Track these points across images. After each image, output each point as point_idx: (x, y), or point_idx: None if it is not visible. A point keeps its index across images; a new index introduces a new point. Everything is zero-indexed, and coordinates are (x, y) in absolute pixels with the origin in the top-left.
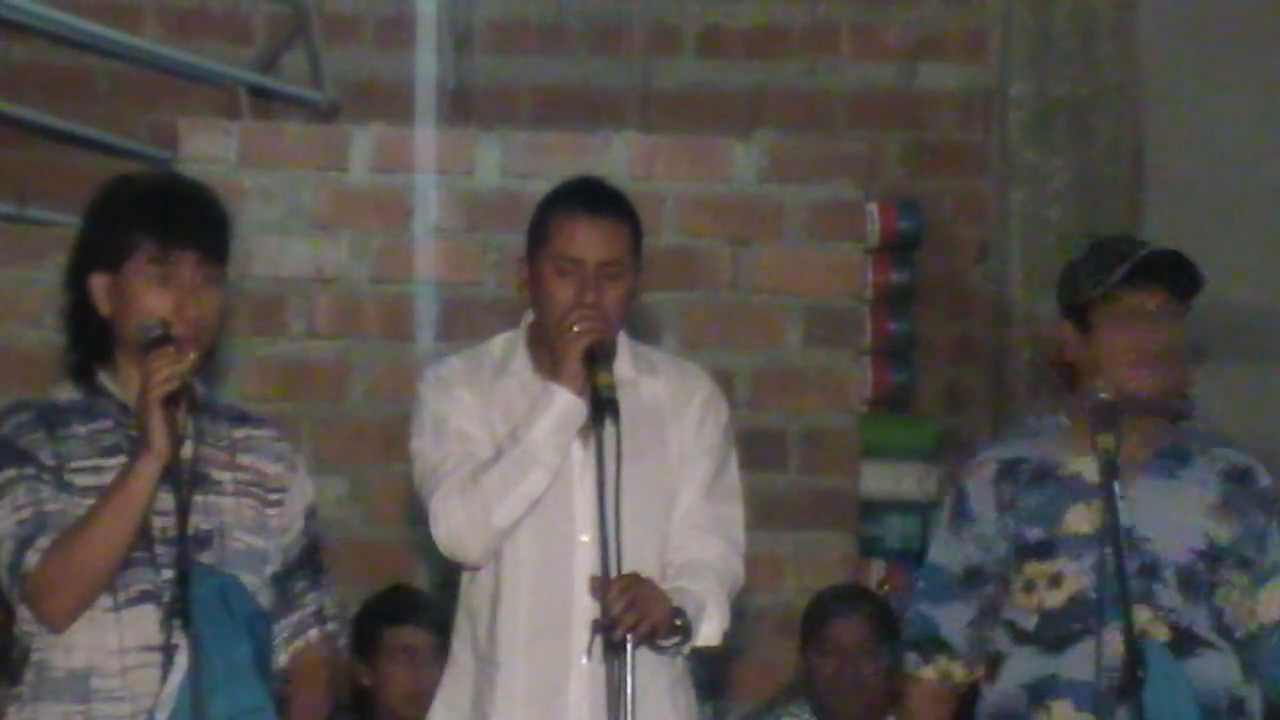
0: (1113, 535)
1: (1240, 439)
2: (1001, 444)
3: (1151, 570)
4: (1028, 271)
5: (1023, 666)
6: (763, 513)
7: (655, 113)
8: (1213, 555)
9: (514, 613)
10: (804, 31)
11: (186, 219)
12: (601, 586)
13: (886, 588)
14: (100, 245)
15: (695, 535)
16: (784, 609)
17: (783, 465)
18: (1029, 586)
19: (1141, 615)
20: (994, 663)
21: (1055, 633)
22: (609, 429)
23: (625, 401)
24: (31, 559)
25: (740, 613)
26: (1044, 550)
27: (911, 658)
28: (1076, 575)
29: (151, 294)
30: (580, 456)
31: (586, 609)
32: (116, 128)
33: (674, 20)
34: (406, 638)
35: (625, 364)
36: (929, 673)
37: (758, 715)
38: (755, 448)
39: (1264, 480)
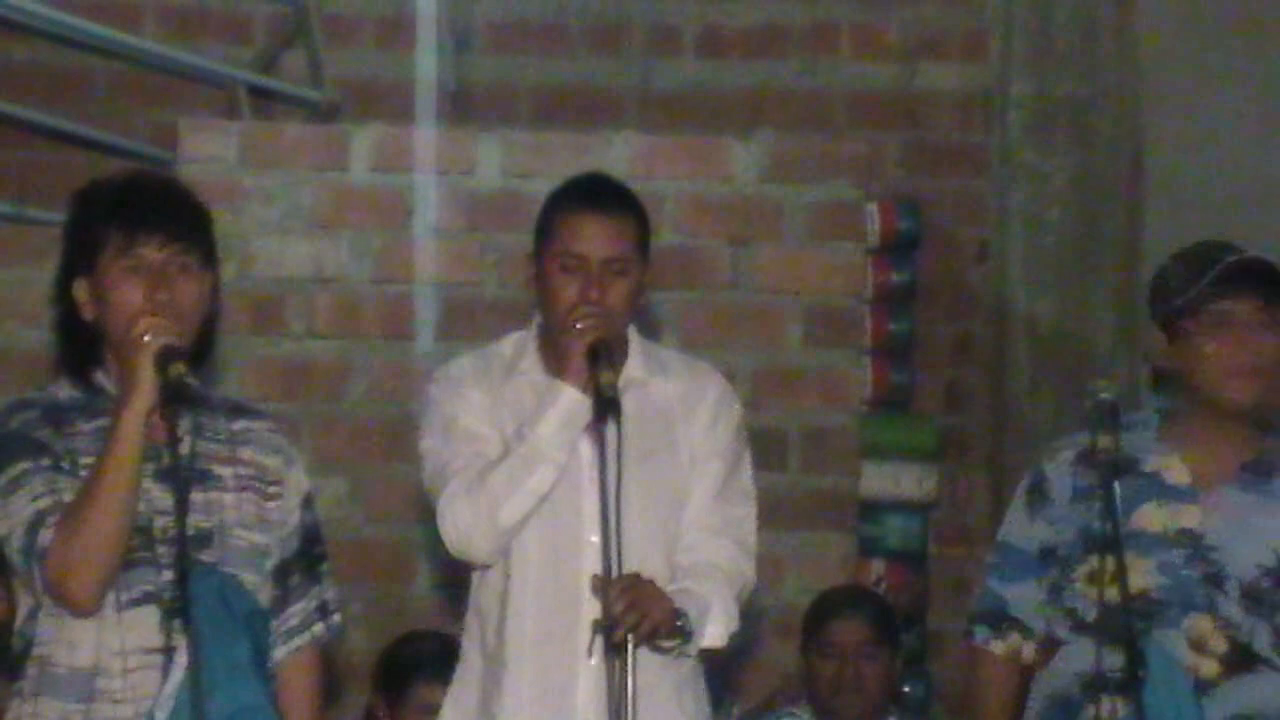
0: (1113, 537)
1: None
2: (1088, 432)
3: (1216, 581)
4: (1028, 271)
5: (1081, 656)
6: (763, 513)
7: (655, 113)
8: None
9: (521, 613)
10: (804, 31)
11: (150, 206)
12: (602, 586)
13: (885, 586)
14: (76, 248)
15: (705, 537)
16: (784, 609)
17: (783, 465)
18: (1093, 577)
19: (1203, 625)
20: (1051, 645)
21: (1116, 626)
22: (613, 428)
23: (635, 402)
24: (45, 536)
25: (741, 613)
26: (1112, 543)
27: (981, 632)
28: (1142, 574)
29: (124, 285)
30: (589, 457)
31: (595, 610)
32: (116, 128)
33: (674, 20)
34: (438, 696)
35: (636, 364)
36: (999, 648)
37: (758, 715)
38: (755, 448)
39: None
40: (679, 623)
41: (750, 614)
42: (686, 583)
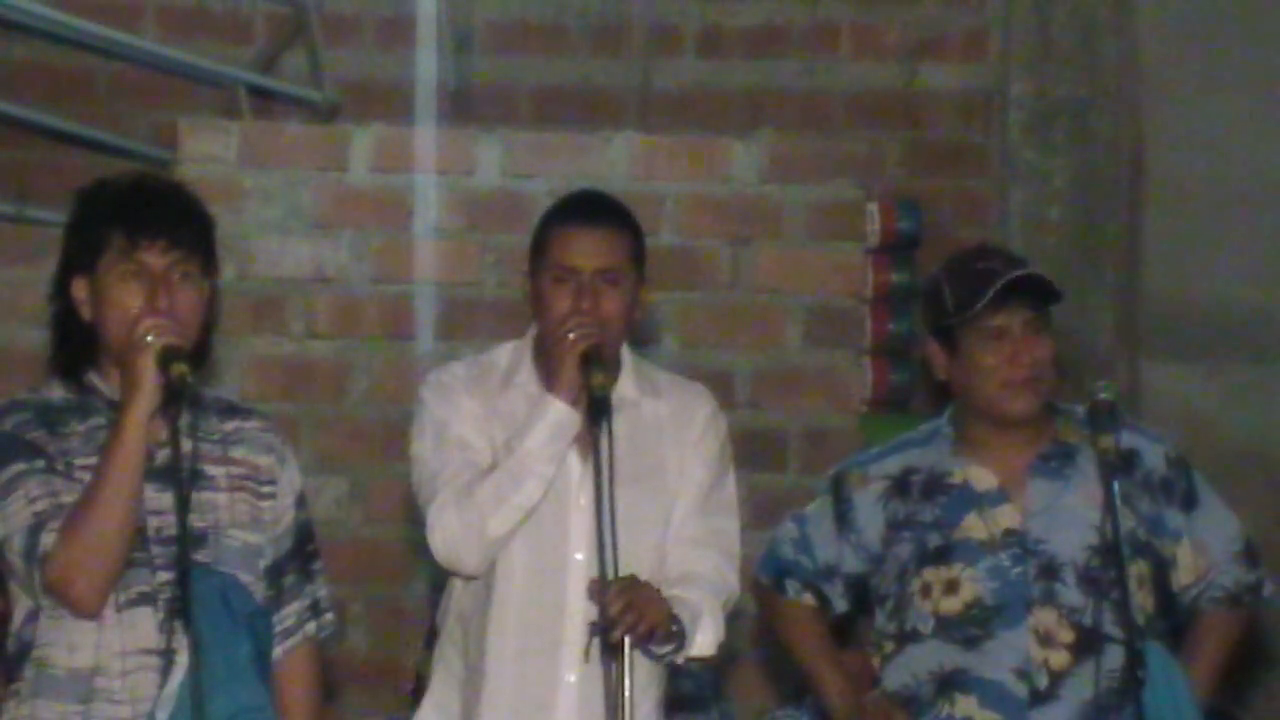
0: (1113, 539)
1: (1241, 440)
2: (892, 454)
3: (1051, 572)
4: None
5: (931, 655)
6: (763, 513)
7: (655, 113)
8: (1106, 550)
9: (503, 627)
10: (804, 31)
11: (154, 212)
12: (600, 588)
13: None
14: (77, 247)
15: (690, 549)
16: None
17: (783, 465)
18: (926, 590)
19: (1047, 618)
20: (900, 642)
21: (959, 635)
22: (606, 431)
23: (627, 422)
24: (47, 539)
25: (740, 612)
26: (941, 555)
27: (791, 585)
28: (972, 582)
29: (124, 289)
30: (579, 475)
31: (577, 627)
32: (116, 128)
33: (674, 20)
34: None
35: (629, 384)
36: (809, 598)
37: (760, 717)
38: (755, 448)
39: (1151, 460)
40: (674, 627)
41: (750, 614)
42: (676, 590)
